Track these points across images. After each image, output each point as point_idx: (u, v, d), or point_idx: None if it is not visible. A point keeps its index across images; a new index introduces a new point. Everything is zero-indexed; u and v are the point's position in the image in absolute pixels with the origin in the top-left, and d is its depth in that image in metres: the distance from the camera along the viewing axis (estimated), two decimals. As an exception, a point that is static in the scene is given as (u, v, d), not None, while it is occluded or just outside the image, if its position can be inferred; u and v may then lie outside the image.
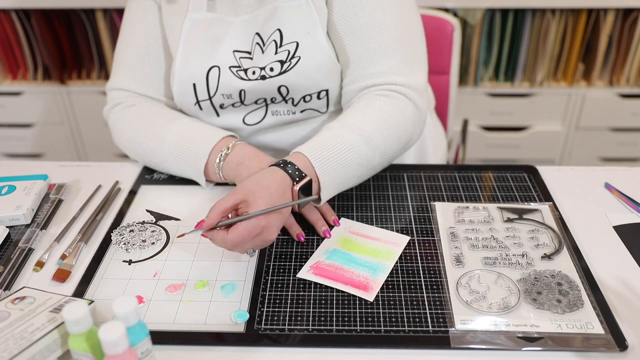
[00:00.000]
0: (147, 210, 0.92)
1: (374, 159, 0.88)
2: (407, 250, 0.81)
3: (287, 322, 0.70)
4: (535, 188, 0.95)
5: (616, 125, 2.06)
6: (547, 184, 0.96)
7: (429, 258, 0.80)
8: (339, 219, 0.88)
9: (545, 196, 0.92)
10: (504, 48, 1.96)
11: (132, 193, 0.96)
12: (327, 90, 0.98)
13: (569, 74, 1.99)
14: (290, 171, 0.80)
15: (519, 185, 0.96)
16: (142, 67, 1.01)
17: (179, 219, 0.89)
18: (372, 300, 0.73)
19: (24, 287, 0.74)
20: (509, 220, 0.87)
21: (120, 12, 1.94)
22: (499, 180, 0.97)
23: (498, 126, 2.09)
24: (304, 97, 0.99)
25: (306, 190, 0.81)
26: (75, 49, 2.05)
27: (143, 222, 0.89)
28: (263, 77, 0.95)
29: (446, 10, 1.81)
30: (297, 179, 0.80)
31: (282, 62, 0.93)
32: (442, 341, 0.67)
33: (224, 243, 0.75)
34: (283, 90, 0.97)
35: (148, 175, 1.00)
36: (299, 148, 0.85)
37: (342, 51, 0.95)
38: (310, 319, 0.71)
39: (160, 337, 0.68)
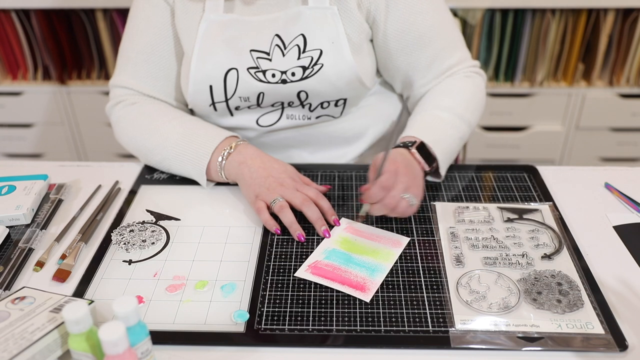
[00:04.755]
0: (147, 210, 0.92)
1: (467, 131, 0.98)
2: (407, 250, 0.81)
3: (287, 322, 0.70)
4: (535, 188, 0.95)
5: (616, 125, 2.06)
6: (547, 184, 0.96)
7: (429, 258, 0.80)
8: (339, 218, 0.88)
9: (545, 196, 0.92)
10: (504, 48, 1.96)
11: (132, 193, 0.96)
12: (345, 99, 0.99)
13: (569, 74, 1.99)
14: (402, 144, 0.91)
15: (519, 185, 0.96)
16: (147, 66, 1.01)
17: (179, 219, 0.89)
18: (368, 301, 0.73)
19: (24, 287, 0.74)
20: (509, 220, 0.87)
21: (120, 12, 1.94)
22: (499, 180, 0.97)
23: (498, 126, 2.09)
24: (321, 104, 0.99)
25: (425, 156, 0.90)
26: (75, 49, 2.04)
27: (143, 222, 0.89)
28: (284, 81, 0.95)
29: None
30: (410, 145, 0.90)
31: (304, 68, 0.94)
32: (442, 341, 0.67)
33: (379, 191, 0.79)
34: (302, 95, 0.97)
35: (148, 175, 1.00)
36: (408, 132, 0.93)
37: (405, 59, 0.99)
38: (310, 319, 0.71)
39: (160, 337, 0.68)
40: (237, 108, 1.01)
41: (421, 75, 1.01)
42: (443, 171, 0.94)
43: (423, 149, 0.90)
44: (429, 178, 0.96)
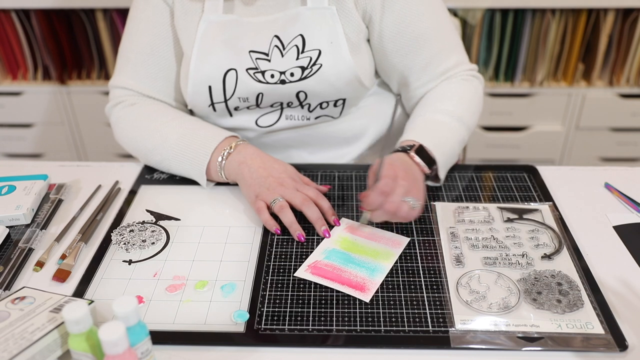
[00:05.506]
0: (147, 210, 0.92)
1: (466, 135, 0.98)
2: (407, 250, 0.81)
3: (287, 322, 0.70)
4: (535, 188, 0.95)
5: (616, 125, 2.06)
6: (547, 184, 0.96)
7: (429, 258, 0.80)
8: (339, 218, 0.88)
9: (545, 196, 0.92)
10: (504, 48, 1.96)
11: (132, 193, 0.96)
12: (344, 99, 0.99)
13: (569, 74, 1.99)
14: (401, 147, 0.91)
15: (519, 185, 0.96)
16: (146, 67, 1.01)
17: (179, 219, 0.89)
18: (368, 301, 0.73)
19: (24, 287, 0.74)
20: (509, 220, 0.87)
21: (120, 12, 1.94)
22: (499, 180, 0.97)
23: (498, 126, 2.09)
24: (320, 104, 0.99)
25: (424, 160, 0.89)
26: (75, 49, 2.04)
27: (143, 222, 0.89)
28: (283, 82, 0.95)
29: (446, 10, 1.81)
30: (409, 148, 0.89)
31: (303, 68, 0.94)
32: (442, 341, 0.67)
33: (378, 197, 0.78)
34: (301, 95, 0.97)
35: (148, 175, 1.00)
36: (407, 136, 0.93)
37: (401, 61, 0.99)
38: (310, 319, 0.71)
39: (160, 337, 0.68)
40: (236, 108, 1.01)
41: (416, 77, 1.01)
42: (442, 175, 0.93)
43: (422, 152, 0.90)
44: (428, 182, 0.95)
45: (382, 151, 0.79)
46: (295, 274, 0.77)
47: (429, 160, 0.90)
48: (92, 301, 0.68)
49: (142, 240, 0.84)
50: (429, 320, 0.70)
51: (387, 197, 0.79)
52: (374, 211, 0.81)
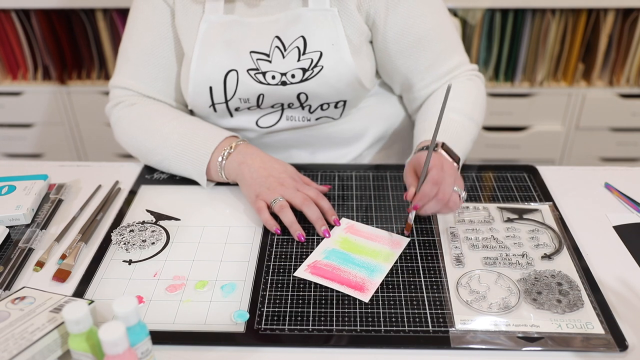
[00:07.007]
0: (147, 210, 0.92)
1: (477, 133, 1.00)
2: (407, 250, 0.81)
3: (287, 322, 0.70)
4: (535, 188, 0.95)
5: (616, 125, 2.06)
6: (547, 184, 0.96)
7: (429, 258, 0.80)
8: (339, 218, 0.88)
9: (545, 196, 0.92)
10: (504, 48, 1.96)
11: (132, 193, 0.96)
12: (345, 101, 0.99)
13: (569, 74, 1.99)
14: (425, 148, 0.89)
15: (519, 185, 0.96)
16: (147, 67, 1.01)
17: (179, 219, 0.89)
18: (367, 301, 0.73)
19: (24, 287, 0.74)
20: (509, 220, 0.87)
21: (120, 12, 1.94)
22: (499, 180, 0.97)
23: (498, 126, 2.09)
24: (321, 106, 0.99)
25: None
26: (75, 49, 2.04)
27: (143, 222, 0.89)
28: (284, 83, 0.95)
29: (446, 10, 1.81)
30: (435, 148, 0.88)
31: (304, 70, 0.94)
32: (442, 341, 0.67)
33: (432, 187, 0.78)
34: (302, 97, 0.97)
35: (148, 175, 1.00)
36: (427, 136, 0.92)
37: (404, 62, 0.99)
38: (310, 319, 0.71)
39: (160, 337, 0.68)
40: (236, 109, 1.01)
41: (420, 78, 1.01)
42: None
43: (445, 150, 0.90)
44: None
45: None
46: (294, 274, 0.77)
47: (453, 158, 0.90)
48: (92, 301, 0.68)
49: (142, 240, 0.84)
50: (429, 320, 0.70)
51: (439, 187, 0.79)
52: (426, 204, 0.80)
